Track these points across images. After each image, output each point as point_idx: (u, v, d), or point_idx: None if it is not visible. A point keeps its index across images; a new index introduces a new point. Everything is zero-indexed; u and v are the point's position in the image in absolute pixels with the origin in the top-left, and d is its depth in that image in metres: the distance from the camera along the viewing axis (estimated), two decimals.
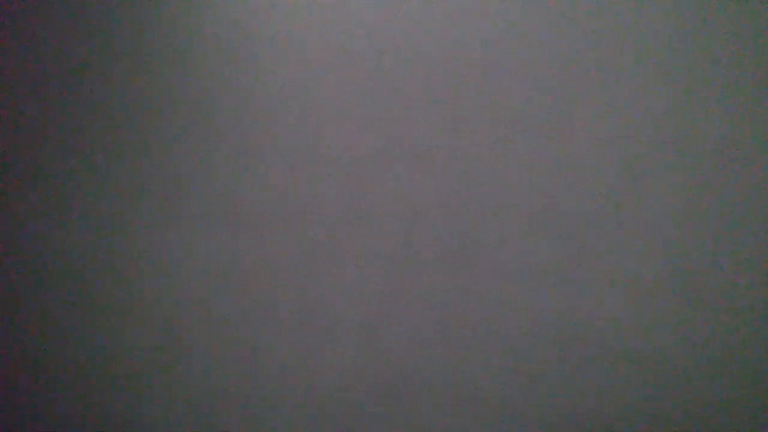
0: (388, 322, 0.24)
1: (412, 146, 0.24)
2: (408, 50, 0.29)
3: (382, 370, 0.33)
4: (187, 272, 0.26)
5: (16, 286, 0.36)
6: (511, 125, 0.26)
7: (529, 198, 0.24)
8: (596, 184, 0.35)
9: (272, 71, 0.28)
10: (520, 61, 0.35)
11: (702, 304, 0.34)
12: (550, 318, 0.25)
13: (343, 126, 0.24)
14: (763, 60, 0.46)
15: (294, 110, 0.24)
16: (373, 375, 0.43)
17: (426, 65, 0.27)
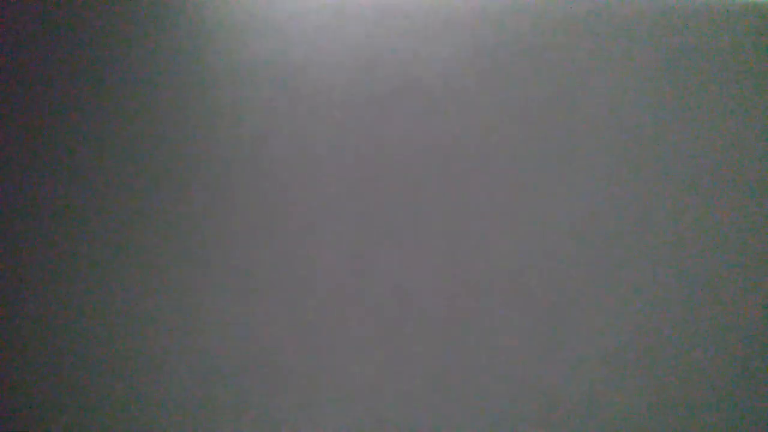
0: (385, 384, 0.23)
1: (406, 222, 0.24)
2: (403, 138, 0.28)
3: (381, 425, 0.32)
4: (205, 333, 0.26)
5: (35, 353, 0.34)
6: (502, 199, 0.25)
7: (517, 271, 0.23)
8: (580, 261, 0.34)
9: (278, 166, 0.27)
10: (512, 135, 0.34)
11: (683, 378, 0.33)
12: (533, 383, 0.25)
13: (342, 204, 0.24)
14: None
15: (299, 195, 0.24)
16: (373, 429, 0.41)
17: (422, 148, 0.26)
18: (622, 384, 0.27)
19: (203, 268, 0.29)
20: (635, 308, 0.28)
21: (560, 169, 0.33)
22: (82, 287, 0.30)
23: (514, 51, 0.39)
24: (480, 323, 0.27)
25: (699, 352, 0.26)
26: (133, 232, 0.31)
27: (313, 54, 0.39)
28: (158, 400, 0.27)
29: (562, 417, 0.26)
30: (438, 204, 0.31)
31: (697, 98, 0.38)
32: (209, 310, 0.28)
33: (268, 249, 0.29)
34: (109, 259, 0.29)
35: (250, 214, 0.31)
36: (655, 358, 0.27)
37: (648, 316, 0.28)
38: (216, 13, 0.44)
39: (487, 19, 0.42)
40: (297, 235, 0.29)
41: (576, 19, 0.42)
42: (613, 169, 0.33)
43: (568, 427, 0.26)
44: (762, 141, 0.36)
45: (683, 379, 0.26)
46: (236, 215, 0.31)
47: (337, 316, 0.27)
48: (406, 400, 0.25)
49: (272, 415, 0.27)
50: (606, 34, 0.41)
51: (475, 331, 0.26)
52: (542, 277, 0.29)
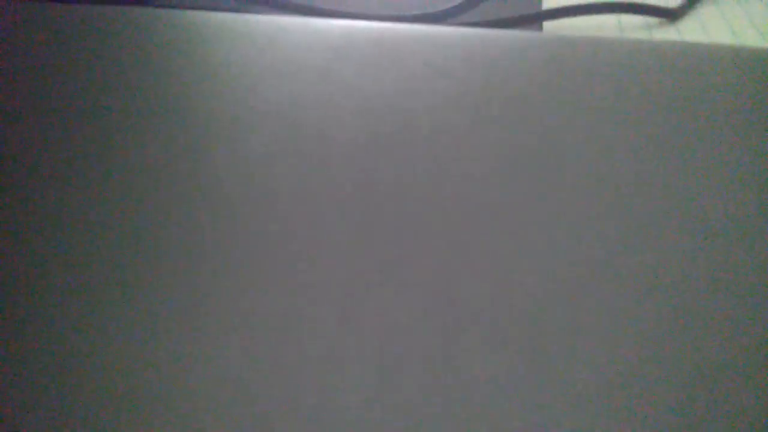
0: (377, 422, 0.23)
1: (399, 263, 0.24)
2: (398, 179, 0.29)
3: None
4: (201, 380, 0.26)
5: (39, 400, 0.34)
6: (496, 240, 0.25)
7: (510, 309, 0.24)
8: (573, 299, 0.34)
9: (278, 207, 0.28)
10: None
11: (684, 408, 0.32)
12: (528, 418, 0.24)
13: (337, 245, 0.24)
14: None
15: (297, 237, 0.24)
16: None
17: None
18: (622, 417, 0.27)
19: (198, 311, 0.29)
20: (632, 343, 0.28)
21: (552, 211, 0.33)
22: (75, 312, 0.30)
23: (507, 96, 0.40)
24: (464, 370, 0.27)
25: (701, 387, 0.26)
26: (128, 276, 0.31)
27: (312, 97, 0.39)
28: None
29: None
30: (432, 246, 0.31)
31: (690, 142, 0.39)
32: (212, 349, 0.28)
33: (263, 291, 0.29)
34: (105, 301, 0.30)
35: (249, 254, 0.31)
36: (657, 389, 0.26)
37: (649, 347, 0.28)
38: (217, 59, 0.45)
39: (480, 66, 0.42)
40: (292, 274, 0.30)
41: (568, 65, 0.43)
42: (606, 213, 0.34)
43: None
44: (760, 189, 0.36)
45: (684, 410, 0.26)
46: (236, 255, 0.31)
47: (325, 359, 0.27)
48: None
49: None
50: (598, 80, 0.42)
51: (460, 376, 0.26)
52: (534, 315, 0.29)
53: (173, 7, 0.59)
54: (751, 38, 0.59)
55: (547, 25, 0.57)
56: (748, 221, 0.32)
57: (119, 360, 0.28)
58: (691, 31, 0.59)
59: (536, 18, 0.55)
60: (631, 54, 0.43)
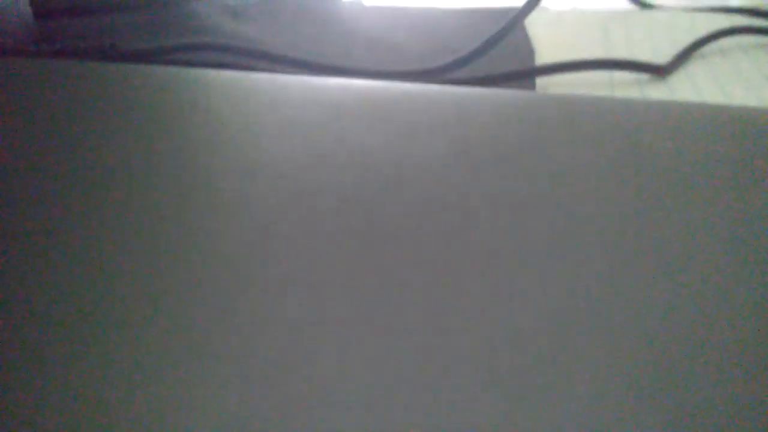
0: (375, 425, 0.24)
1: (394, 315, 0.25)
2: (394, 231, 0.30)
3: None
4: (201, 382, 0.26)
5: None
6: (489, 293, 0.26)
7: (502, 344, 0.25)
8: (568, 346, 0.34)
9: (277, 258, 0.29)
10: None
11: None
12: None
13: (334, 296, 0.25)
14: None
15: (296, 285, 0.25)
16: None
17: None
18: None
19: (201, 352, 0.30)
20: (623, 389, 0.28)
21: (544, 264, 0.34)
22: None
23: (501, 154, 0.41)
24: (453, 377, 0.27)
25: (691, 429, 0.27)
26: (128, 337, 0.32)
27: (311, 153, 0.40)
28: None
29: None
30: (427, 298, 0.32)
31: (680, 200, 0.40)
32: (208, 384, 0.28)
33: (262, 333, 0.30)
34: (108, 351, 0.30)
35: (249, 301, 0.32)
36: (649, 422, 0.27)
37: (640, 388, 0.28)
38: (218, 116, 0.47)
39: (474, 124, 0.44)
40: (291, 324, 0.30)
41: (561, 124, 0.44)
42: (597, 270, 0.34)
43: None
44: (749, 248, 0.37)
45: None
46: (235, 302, 0.32)
47: (327, 378, 0.27)
48: None
49: None
50: (591, 139, 0.43)
51: (449, 389, 0.27)
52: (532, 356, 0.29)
53: (175, 64, 0.60)
54: (738, 93, 0.60)
55: (540, 81, 0.59)
56: (739, 274, 0.33)
57: (119, 368, 0.29)
58: (681, 87, 0.60)
59: (530, 74, 0.56)
60: (622, 113, 0.44)
